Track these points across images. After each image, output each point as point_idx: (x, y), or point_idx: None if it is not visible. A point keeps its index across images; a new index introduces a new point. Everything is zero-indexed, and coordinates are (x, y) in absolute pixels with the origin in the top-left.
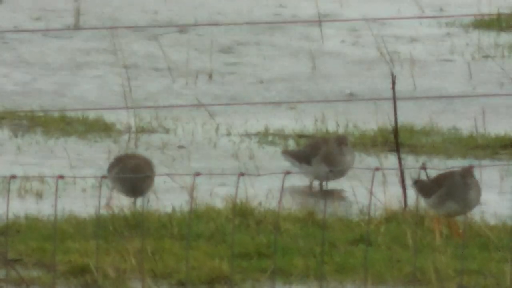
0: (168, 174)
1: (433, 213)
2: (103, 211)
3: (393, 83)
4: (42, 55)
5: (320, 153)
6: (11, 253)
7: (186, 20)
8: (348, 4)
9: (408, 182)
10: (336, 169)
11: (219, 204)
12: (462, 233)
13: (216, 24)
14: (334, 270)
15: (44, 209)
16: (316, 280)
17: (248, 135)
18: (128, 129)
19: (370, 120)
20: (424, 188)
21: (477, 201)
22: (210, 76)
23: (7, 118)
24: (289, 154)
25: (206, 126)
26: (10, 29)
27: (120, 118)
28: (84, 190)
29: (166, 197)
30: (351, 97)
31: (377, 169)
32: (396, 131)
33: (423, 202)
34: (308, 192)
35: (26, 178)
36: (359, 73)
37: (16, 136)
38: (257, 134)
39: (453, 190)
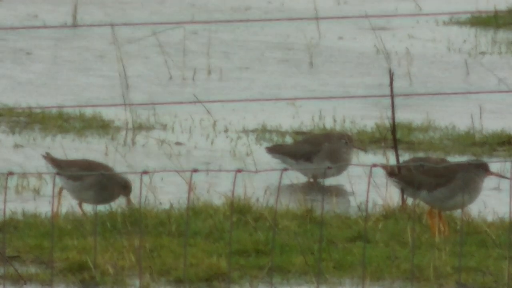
0: (165, 171)
1: (427, 208)
2: (101, 208)
3: (391, 80)
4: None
5: (322, 150)
6: (8, 250)
7: (183, 17)
8: (345, 1)
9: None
10: (336, 166)
11: (217, 201)
12: (447, 230)
13: (213, 22)
14: (332, 267)
15: (41, 206)
16: (314, 277)
17: (245, 131)
18: (126, 125)
19: (368, 116)
20: (420, 181)
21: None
22: (209, 73)
23: (5, 115)
24: (279, 151)
25: (203, 123)
26: (8, 27)
27: (118, 115)
28: None
29: (164, 194)
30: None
31: (374, 165)
32: (393, 128)
33: (410, 194)
34: (306, 189)
35: (24, 175)
36: (356, 69)
37: (13, 133)
38: (254, 130)
39: (469, 182)
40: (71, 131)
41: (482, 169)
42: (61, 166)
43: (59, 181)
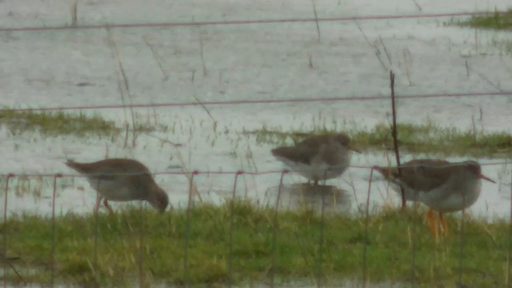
0: (166, 173)
1: (428, 209)
2: (101, 209)
3: (392, 81)
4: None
5: (319, 151)
6: (9, 252)
7: (182, 18)
8: (345, 1)
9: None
10: (335, 168)
11: (217, 202)
12: (448, 231)
13: (210, 23)
14: (332, 269)
15: (42, 207)
16: (315, 278)
17: (246, 133)
18: (126, 127)
19: (368, 118)
20: (418, 182)
21: (478, 197)
22: (205, 73)
23: (5, 116)
24: (281, 153)
25: (204, 124)
26: (7, 28)
27: (118, 116)
28: (82, 188)
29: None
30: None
31: (375, 167)
32: (394, 129)
33: (411, 197)
34: (306, 190)
35: (24, 176)
36: (356, 70)
37: (14, 134)
38: (255, 132)
39: (460, 184)
40: (72, 132)
41: (471, 171)
42: (89, 169)
43: (89, 183)
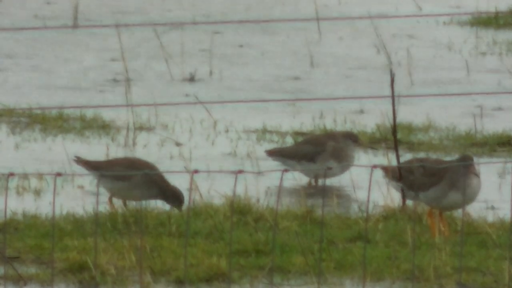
0: (166, 172)
1: (428, 209)
2: (101, 209)
3: (392, 80)
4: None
5: (327, 150)
6: (9, 251)
7: (183, 17)
8: (346, 1)
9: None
10: (338, 166)
11: (217, 201)
12: (448, 231)
13: (214, 23)
14: (332, 268)
15: (42, 206)
16: (315, 277)
17: (246, 132)
18: (126, 126)
19: (369, 117)
20: (417, 182)
21: (478, 193)
22: (210, 73)
23: (5, 116)
24: (278, 154)
25: (204, 123)
26: (9, 27)
27: (118, 115)
28: (82, 187)
29: None
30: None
31: (375, 166)
32: (394, 128)
33: (411, 197)
34: (307, 189)
35: (24, 175)
36: (357, 70)
37: (14, 133)
38: (255, 131)
39: (457, 181)
40: (72, 131)
41: (464, 167)
42: (101, 168)
43: (99, 182)
